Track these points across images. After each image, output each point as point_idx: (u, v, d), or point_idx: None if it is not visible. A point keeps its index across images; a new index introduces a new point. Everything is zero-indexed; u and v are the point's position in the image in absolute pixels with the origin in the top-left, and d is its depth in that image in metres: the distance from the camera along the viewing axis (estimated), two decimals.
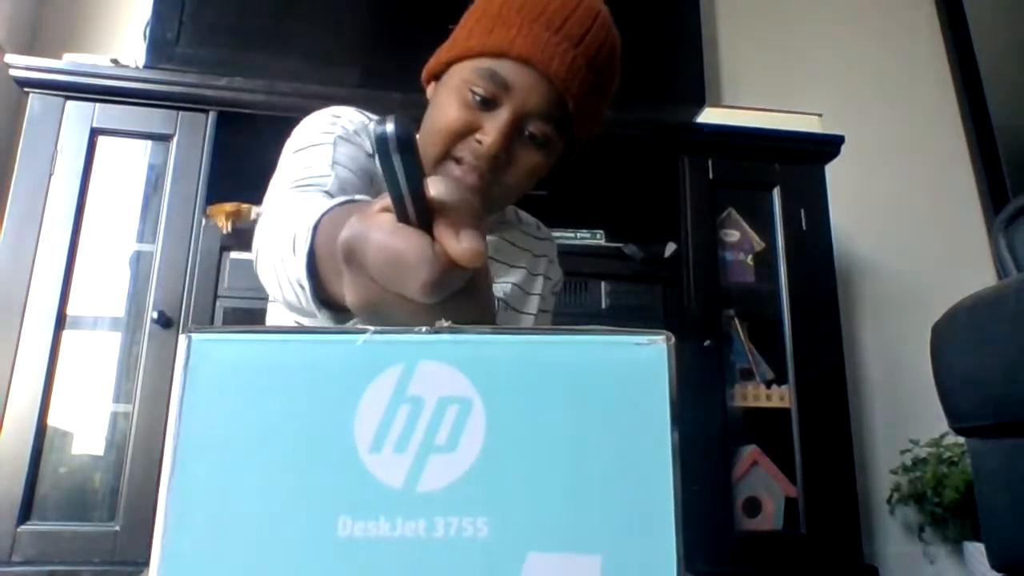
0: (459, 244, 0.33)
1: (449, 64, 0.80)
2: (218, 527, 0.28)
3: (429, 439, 0.28)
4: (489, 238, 0.83)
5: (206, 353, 0.30)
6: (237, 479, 0.29)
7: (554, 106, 0.76)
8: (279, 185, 0.71)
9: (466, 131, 0.76)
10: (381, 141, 0.32)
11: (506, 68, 0.74)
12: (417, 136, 0.79)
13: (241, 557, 0.28)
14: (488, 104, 0.75)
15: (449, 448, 0.28)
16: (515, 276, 0.93)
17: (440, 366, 0.28)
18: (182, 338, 0.31)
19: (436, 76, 0.83)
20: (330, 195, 0.65)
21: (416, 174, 0.33)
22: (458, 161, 0.77)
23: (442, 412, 0.28)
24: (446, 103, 0.77)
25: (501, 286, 0.92)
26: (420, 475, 0.28)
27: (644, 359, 0.27)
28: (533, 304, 0.96)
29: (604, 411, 0.27)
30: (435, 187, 0.35)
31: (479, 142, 0.75)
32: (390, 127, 0.32)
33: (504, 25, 0.74)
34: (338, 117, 0.79)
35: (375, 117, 0.67)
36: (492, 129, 0.75)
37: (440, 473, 0.27)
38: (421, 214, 0.34)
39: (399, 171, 0.33)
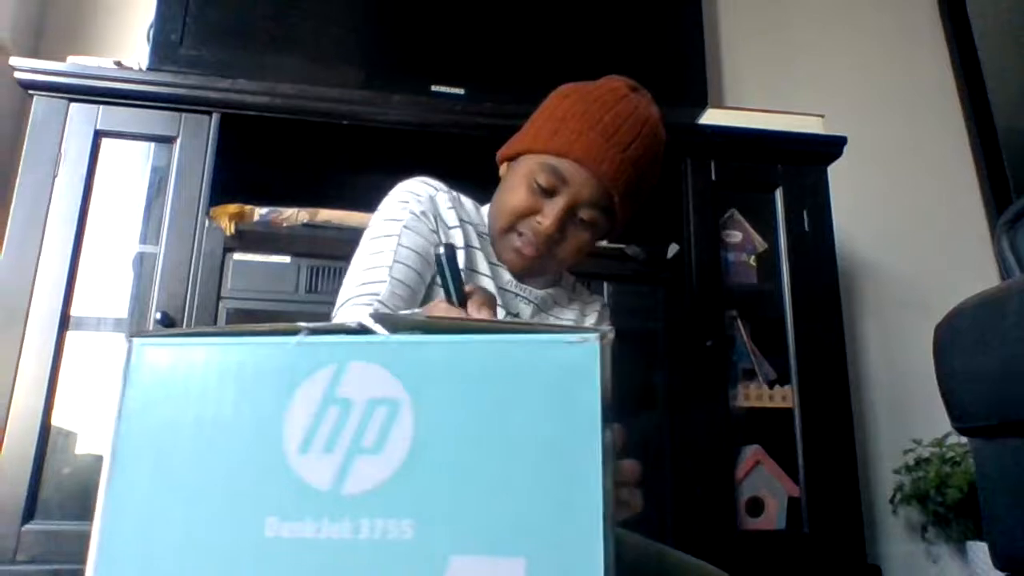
0: (477, 313, 0.61)
1: (520, 154, 0.98)
2: (150, 527, 0.29)
3: (357, 441, 0.27)
4: (541, 293, 1.04)
5: (145, 356, 0.30)
6: (170, 479, 0.29)
7: (601, 197, 0.94)
8: (350, 277, 0.92)
9: (529, 212, 0.94)
10: (437, 258, 0.64)
11: (564, 166, 0.92)
12: (487, 208, 1.04)
13: (172, 556, 0.28)
14: (548, 193, 0.93)
15: (376, 450, 0.27)
16: (566, 316, 1.07)
17: (371, 367, 0.28)
18: (124, 342, 0.31)
19: (509, 159, 1.02)
20: (383, 304, 0.86)
21: (457, 276, 0.64)
22: (520, 235, 0.95)
23: (371, 414, 0.28)
24: (515, 187, 0.95)
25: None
26: (347, 477, 0.27)
27: (575, 358, 0.26)
28: None
29: (533, 411, 0.26)
30: (469, 287, 0.65)
31: (539, 223, 0.94)
32: (441, 250, 0.64)
33: (566, 130, 0.93)
34: (405, 203, 0.95)
35: (438, 185, 1.01)
36: (550, 213, 0.93)
37: (367, 475, 0.27)
38: (460, 300, 0.64)
39: (448, 276, 0.64)
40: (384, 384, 0.27)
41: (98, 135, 1.48)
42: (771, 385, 1.65)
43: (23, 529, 1.28)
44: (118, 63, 1.56)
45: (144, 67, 1.60)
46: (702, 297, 1.63)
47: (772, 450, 1.60)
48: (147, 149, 1.56)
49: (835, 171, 1.77)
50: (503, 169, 1.04)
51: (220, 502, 0.28)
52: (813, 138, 1.78)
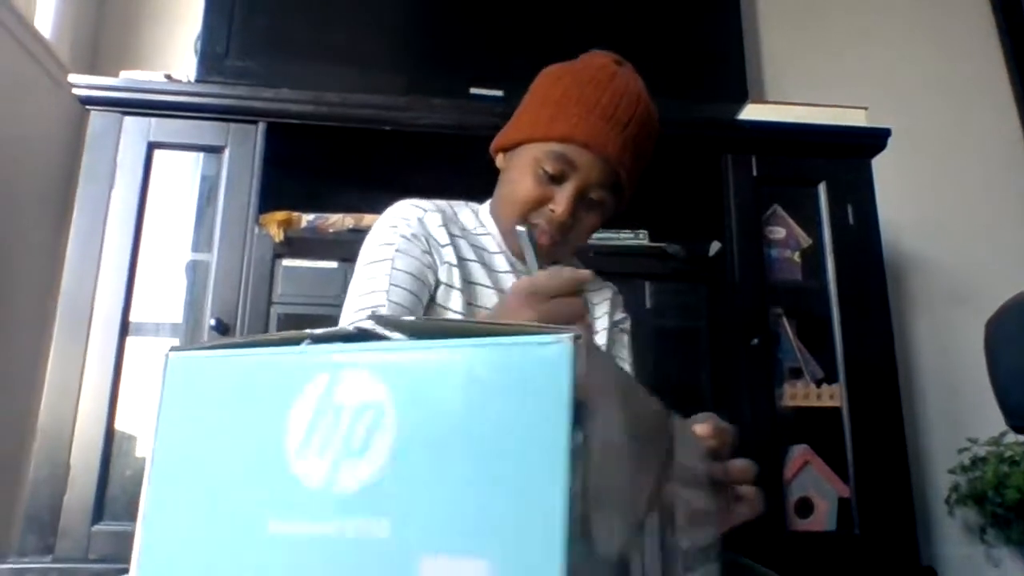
0: (549, 281, 0.66)
1: (519, 143, 0.98)
2: (175, 528, 0.32)
3: (346, 444, 0.29)
4: None
5: (177, 368, 0.34)
6: (193, 481, 0.32)
7: (608, 177, 0.94)
8: (348, 303, 0.92)
9: (539, 202, 0.94)
10: (521, 235, 0.77)
11: (571, 151, 0.92)
12: (491, 203, 1.06)
13: (194, 555, 0.31)
14: (556, 179, 0.93)
15: (361, 452, 0.29)
16: None
17: (361, 373, 0.30)
18: (163, 356, 0.35)
19: (505, 149, 1.01)
20: None
21: (535, 249, 0.77)
22: (533, 225, 0.95)
23: (358, 417, 0.29)
24: (521, 177, 0.95)
25: None
26: (336, 478, 0.29)
27: (546, 359, 0.26)
28: (600, 325, 1.08)
29: (504, 413, 0.27)
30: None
31: (552, 211, 0.94)
32: (521, 228, 0.78)
33: (566, 115, 0.93)
34: (395, 227, 0.95)
35: (427, 206, 1.00)
36: (562, 200, 0.93)
37: (353, 476, 0.29)
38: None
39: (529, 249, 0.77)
40: (372, 389, 0.29)
41: (151, 147, 1.53)
42: (818, 384, 1.63)
43: (93, 530, 1.33)
44: (168, 76, 1.61)
45: (192, 79, 1.65)
46: (746, 295, 1.61)
47: (820, 450, 1.57)
48: (197, 159, 1.61)
49: (880, 164, 1.73)
50: (500, 161, 1.03)
51: (233, 502, 0.31)
52: (856, 131, 1.75)
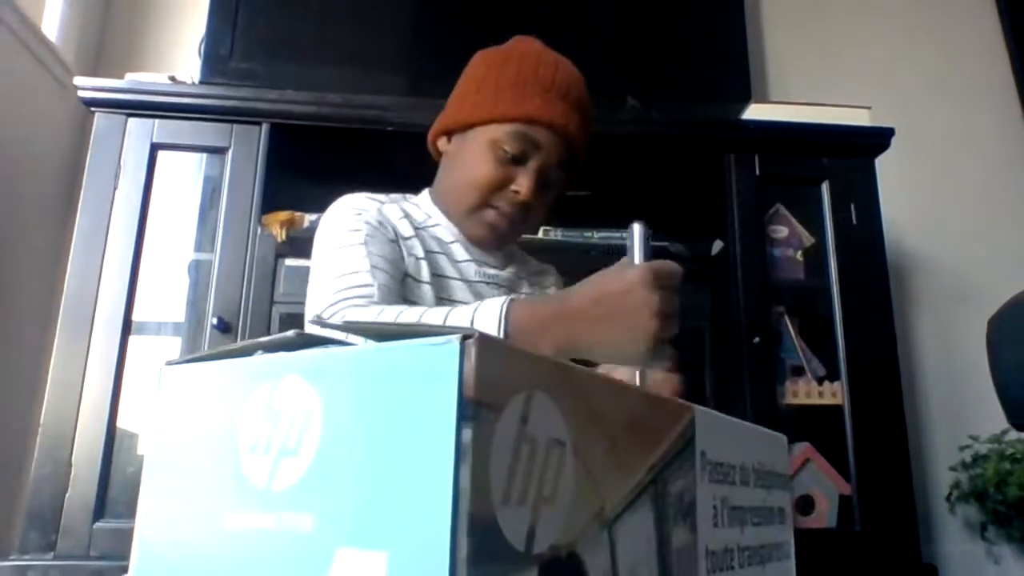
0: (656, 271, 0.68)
1: (472, 125, 0.96)
2: (163, 524, 0.35)
3: (284, 444, 0.31)
4: (505, 273, 1.02)
5: (168, 378, 0.38)
6: (174, 482, 0.36)
7: (566, 155, 0.95)
8: (324, 286, 0.84)
9: (501, 184, 0.93)
10: (632, 234, 0.68)
11: (534, 131, 0.92)
12: (432, 192, 1.04)
13: (174, 548, 0.35)
14: (518, 160, 0.92)
15: (294, 452, 0.31)
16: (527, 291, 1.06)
17: (297, 379, 0.32)
18: (159, 369, 0.39)
19: (450, 132, 1.00)
20: (387, 301, 0.82)
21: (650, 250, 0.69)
22: (494, 208, 0.94)
23: (293, 420, 0.32)
24: (478, 160, 0.93)
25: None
26: (275, 475, 0.31)
27: (435, 359, 0.27)
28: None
29: (401, 412, 0.28)
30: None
31: (516, 192, 0.93)
32: (638, 226, 0.69)
33: (526, 96, 0.92)
34: (359, 214, 0.91)
35: (381, 198, 0.96)
36: (526, 182, 0.92)
37: (287, 474, 0.31)
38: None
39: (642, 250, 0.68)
40: (305, 393, 0.31)
41: (155, 148, 1.53)
42: (820, 382, 1.63)
43: (94, 527, 1.34)
44: (172, 78, 1.62)
45: (196, 81, 1.66)
46: (748, 294, 1.61)
47: (822, 447, 1.58)
48: (200, 160, 1.62)
49: (883, 163, 1.73)
50: (443, 145, 1.01)
51: (200, 500, 0.34)
52: (859, 130, 1.75)
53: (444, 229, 1.00)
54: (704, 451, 0.44)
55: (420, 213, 1.01)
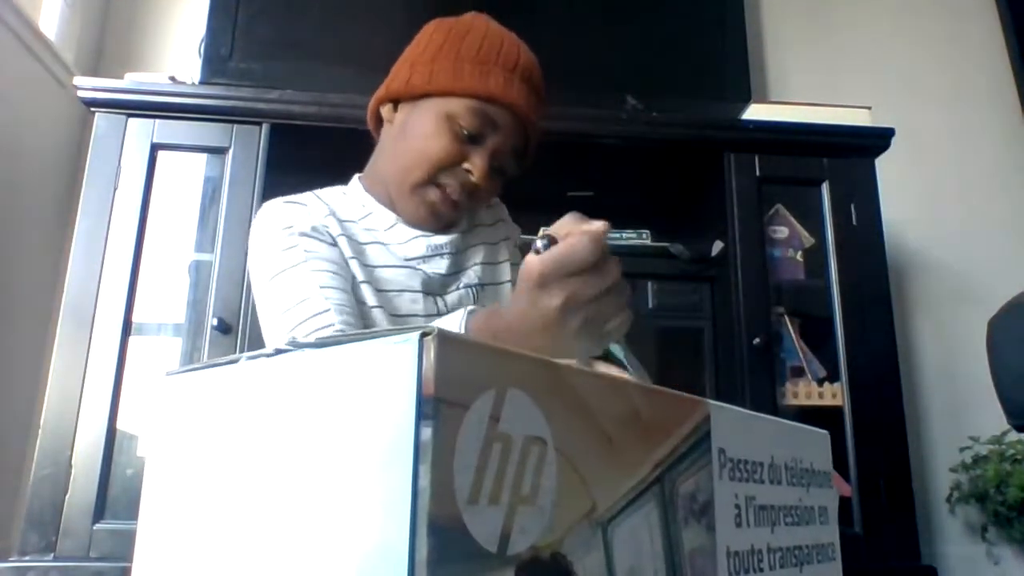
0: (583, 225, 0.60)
1: (425, 95, 0.88)
2: (155, 525, 0.36)
3: (262, 446, 0.32)
4: (450, 237, 0.93)
5: (169, 385, 0.39)
6: (164, 485, 0.36)
7: (521, 141, 0.90)
8: (277, 324, 0.79)
9: (454, 162, 0.86)
10: (534, 249, 0.57)
11: (494, 111, 0.85)
12: (367, 174, 0.98)
13: (165, 550, 0.35)
14: (473, 139, 0.86)
15: (274, 453, 0.31)
16: (479, 256, 0.98)
17: (273, 384, 0.32)
18: (159, 379, 0.39)
19: (399, 100, 0.92)
20: (350, 325, 0.78)
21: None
22: (439, 187, 0.87)
23: (271, 423, 0.32)
24: (432, 133, 0.86)
25: (472, 270, 0.97)
26: (257, 476, 0.32)
27: (395, 356, 0.27)
28: (505, 271, 1.00)
29: (363, 413, 0.28)
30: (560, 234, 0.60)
31: (468, 173, 0.86)
32: (541, 243, 0.58)
33: (490, 72, 0.85)
34: (289, 227, 0.85)
35: (303, 199, 0.90)
36: (480, 164, 0.86)
37: (265, 475, 0.31)
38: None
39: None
40: (263, 399, 0.32)
41: (155, 148, 1.53)
42: (820, 382, 1.63)
43: (94, 528, 1.34)
44: (172, 78, 1.62)
45: (196, 81, 1.66)
46: (748, 294, 1.61)
47: None
48: (200, 160, 1.62)
49: (883, 163, 1.73)
50: (387, 112, 0.94)
51: (201, 504, 0.34)
52: (859, 130, 1.75)
53: (378, 217, 0.92)
54: (723, 448, 0.43)
55: (350, 204, 0.94)
